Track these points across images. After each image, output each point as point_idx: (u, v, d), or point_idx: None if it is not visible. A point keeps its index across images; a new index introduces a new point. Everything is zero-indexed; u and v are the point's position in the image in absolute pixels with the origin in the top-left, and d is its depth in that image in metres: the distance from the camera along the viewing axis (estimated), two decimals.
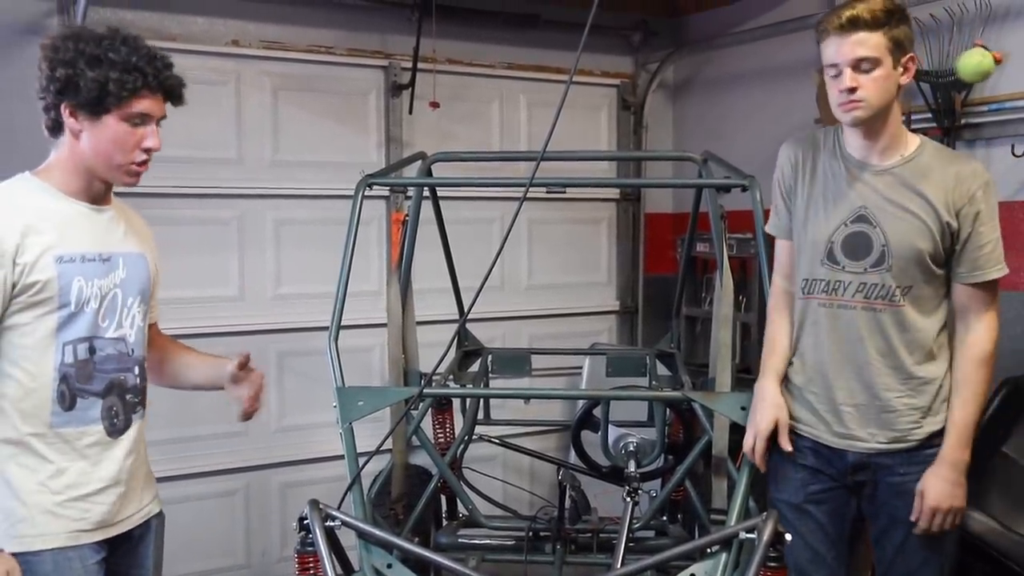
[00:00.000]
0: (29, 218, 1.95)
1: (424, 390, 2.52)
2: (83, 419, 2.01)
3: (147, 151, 2.02)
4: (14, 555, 1.91)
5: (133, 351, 2.11)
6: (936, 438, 2.34)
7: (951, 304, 2.37)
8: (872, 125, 2.33)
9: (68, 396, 1.99)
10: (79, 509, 2.00)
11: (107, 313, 2.05)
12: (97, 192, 2.07)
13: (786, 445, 2.40)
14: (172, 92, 2.06)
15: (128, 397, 2.10)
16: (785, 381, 2.48)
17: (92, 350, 2.02)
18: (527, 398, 2.89)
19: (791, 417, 2.45)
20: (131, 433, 2.11)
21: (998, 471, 3.06)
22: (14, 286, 1.92)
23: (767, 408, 2.44)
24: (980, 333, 2.32)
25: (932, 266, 2.32)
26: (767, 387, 2.47)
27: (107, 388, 2.05)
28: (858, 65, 2.25)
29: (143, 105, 1.99)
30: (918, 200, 2.31)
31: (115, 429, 2.07)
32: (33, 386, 1.96)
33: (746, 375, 4.19)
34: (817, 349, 2.42)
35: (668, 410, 3.07)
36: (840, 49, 2.26)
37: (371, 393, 2.53)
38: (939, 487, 2.30)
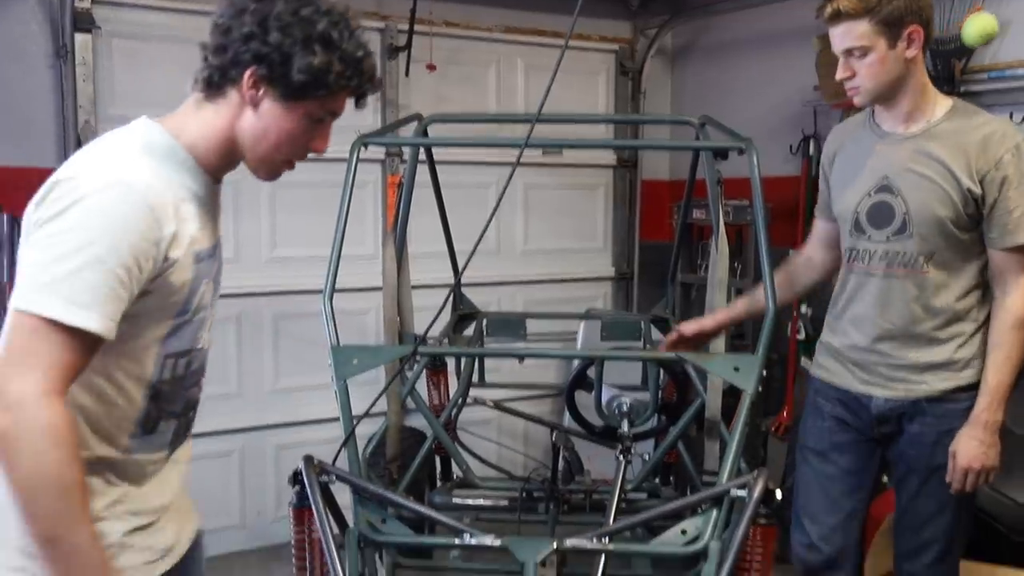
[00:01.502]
0: (179, 198, 1.53)
1: (419, 348, 2.52)
2: (158, 444, 1.64)
3: (312, 152, 1.66)
4: None
5: (205, 361, 1.74)
6: (959, 393, 2.40)
7: (985, 267, 2.39)
8: (888, 98, 2.37)
9: (153, 417, 1.60)
10: (145, 537, 1.63)
11: (206, 320, 1.67)
12: (225, 173, 1.68)
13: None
14: (364, 96, 1.66)
15: (190, 415, 1.74)
16: (822, 338, 2.63)
17: (188, 364, 1.64)
18: (521, 357, 2.90)
19: (823, 368, 2.60)
20: (184, 453, 1.75)
21: None
22: (152, 279, 1.48)
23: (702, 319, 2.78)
24: (1015, 296, 2.33)
25: (956, 232, 2.34)
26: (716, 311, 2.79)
27: (183, 408, 1.68)
28: (850, 53, 2.30)
29: (339, 104, 1.62)
30: (937, 166, 2.33)
31: (174, 452, 1.71)
32: (119, 403, 1.54)
33: (740, 340, 4.22)
34: (846, 312, 2.53)
35: (662, 372, 3.08)
36: (832, 39, 2.34)
37: (366, 351, 2.54)
38: (970, 447, 2.34)
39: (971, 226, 2.34)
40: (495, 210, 2.28)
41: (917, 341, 2.41)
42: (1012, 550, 2.87)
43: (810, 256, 2.73)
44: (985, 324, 2.41)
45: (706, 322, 2.75)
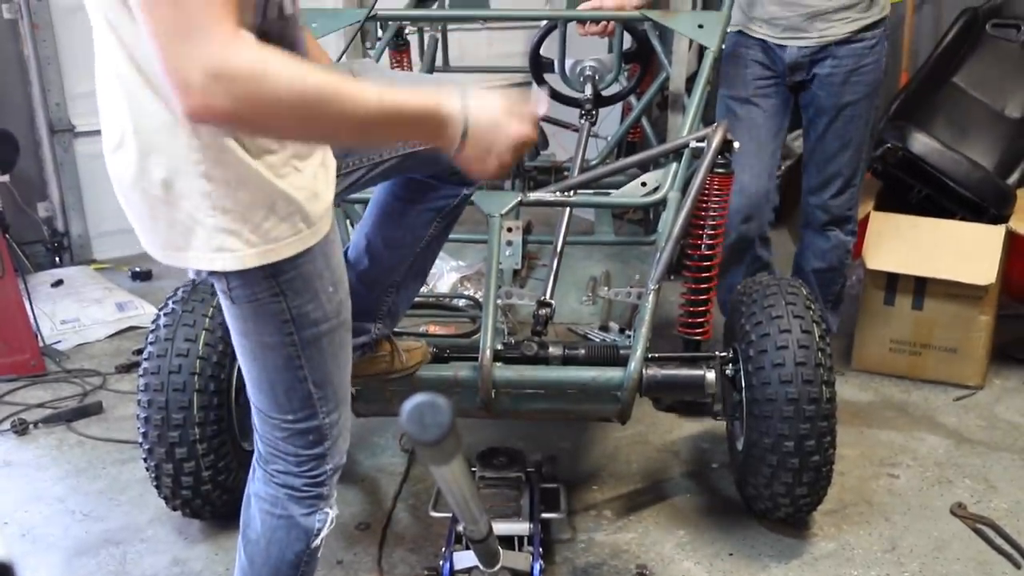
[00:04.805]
0: None
1: (376, 12, 2.47)
2: None
3: None
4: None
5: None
6: (865, 32, 2.63)
7: None
8: None
9: None
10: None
11: None
12: None
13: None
14: None
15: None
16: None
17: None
18: (485, 19, 2.83)
19: (751, 20, 2.71)
20: None
21: (946, 100, 3.13)
22: None
23: None
24: None
25: None
26: None
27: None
28: None
29: None
30: None
31: None
32: None
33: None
34: None
35: (626, 37, 3.01)
36: None
37: (325, 16, 2.49)
38: None
39: None
40: None
41: None
42: (960, 203, 3.00)
43: None
44: None
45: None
